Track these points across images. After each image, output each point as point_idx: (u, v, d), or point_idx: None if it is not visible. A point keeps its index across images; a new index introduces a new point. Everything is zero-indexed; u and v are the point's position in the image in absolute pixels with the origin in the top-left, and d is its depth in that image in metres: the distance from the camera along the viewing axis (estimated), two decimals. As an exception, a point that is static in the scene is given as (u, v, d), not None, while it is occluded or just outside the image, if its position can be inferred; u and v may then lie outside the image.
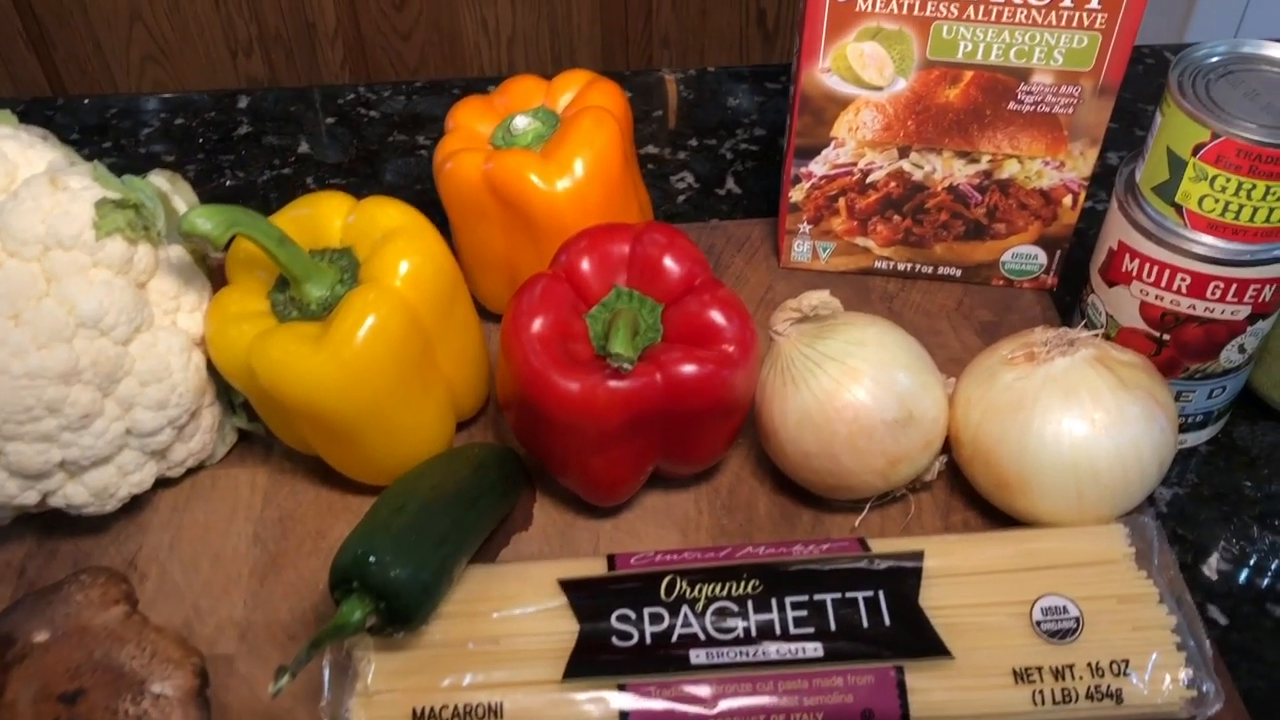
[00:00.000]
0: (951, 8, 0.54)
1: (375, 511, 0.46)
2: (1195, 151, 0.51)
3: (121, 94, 0.89)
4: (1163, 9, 1.79)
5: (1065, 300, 0.66)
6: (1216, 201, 0.52)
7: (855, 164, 0.61)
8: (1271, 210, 0.51)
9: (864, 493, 0.53)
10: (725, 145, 0.82)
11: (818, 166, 0.62)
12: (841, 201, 0.63)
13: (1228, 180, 0.51)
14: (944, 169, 0.60)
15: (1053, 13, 0.54)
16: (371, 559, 0.43)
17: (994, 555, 0.49)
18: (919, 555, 0.48)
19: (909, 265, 0.65)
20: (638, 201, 0.60)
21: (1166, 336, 0.56)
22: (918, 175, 0.61)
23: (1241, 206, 0.51)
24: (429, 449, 0.53)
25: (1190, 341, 0.56)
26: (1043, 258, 0.64)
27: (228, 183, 0.80)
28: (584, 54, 2.00)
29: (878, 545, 0.49)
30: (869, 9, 0.55)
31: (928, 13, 0.54)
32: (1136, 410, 0.49)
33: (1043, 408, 0.49)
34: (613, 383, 0.48)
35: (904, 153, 0.60)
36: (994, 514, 0.54)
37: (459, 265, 0.61)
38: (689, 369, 0.49)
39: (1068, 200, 0.61)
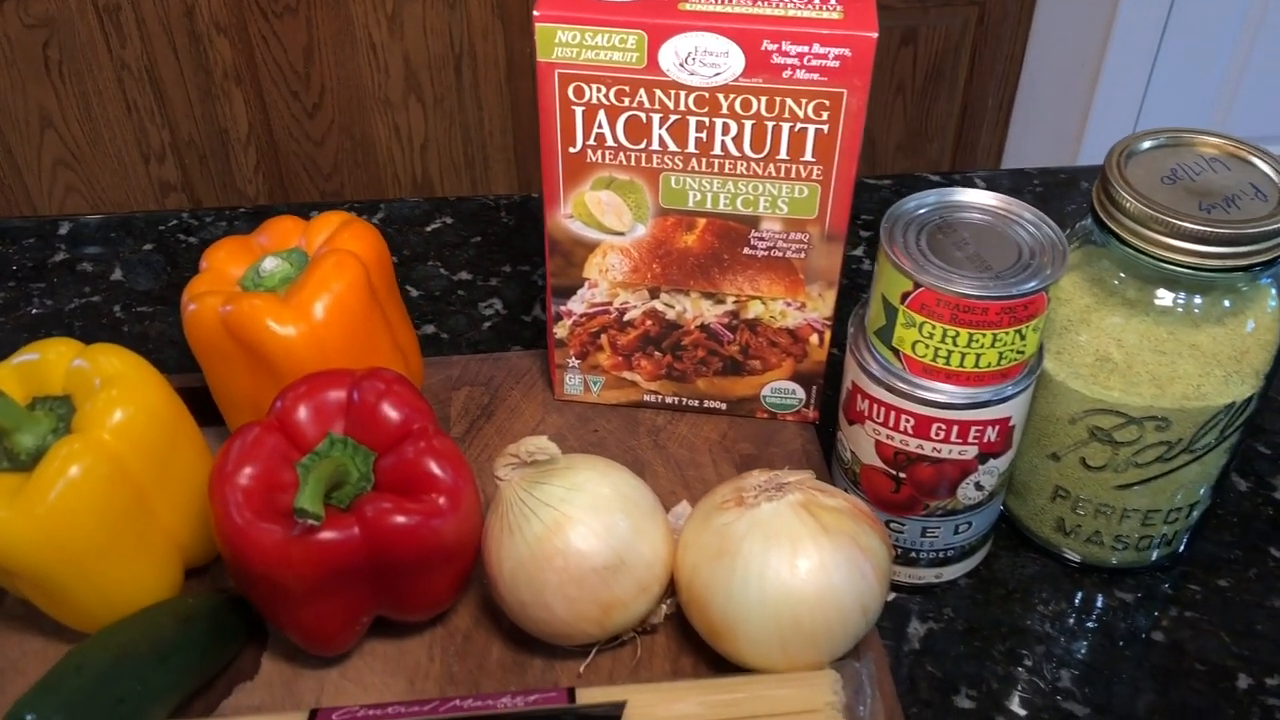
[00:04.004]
0: (676, 160, 0.56)
1: (53, 670, 0.46)
2: (903, 300, 0.53)
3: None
4: (1055, 133, 1.85)
5: (832, 432, 0.67)
6: (927, 347, 0.53)
7: (611, 303, 0.62)
8: (979, 356, 0.53)
9: (584, 640, 0.53)
10: (538, 272, 0.83)
11: (576, 305, 0.63)
12: (604, 338, 0.64)
13: (933, 328, 0.52)
14: (694, 309, 0.62)
15: (770, 165, 0.55)
16: (33, 723, 0.43)
17: (698, 704, 0.49)
18: (620, 706, 0.48)
19: (676, 399, 0.66)
20: (393, 343, 0.60)
21: (902, 475, 0.57)
22: (670, 314, 0.62)
23: (950, 352, 0.53)
24: (149, 599, 0.52)
25: (925, 480, 0.57)
26: (801, 392, 0.65)
27: (34, 310, 0.80)
28: (497, 160, 2.04)
29: (585, 696, 0.49)
30: (600, 160, 0.56)
31: (654, 164, 0.56)
32: (838, 556, 0.50)
33: (745, 554, 0.50)
34: (310, 536, 0.48)
35: (654, 293, 0.61)
36: (722, 658, 0.54)
37: (217, 405, 0.61)
38: (395, 520, 0.49)
39: (814, 339, 0.62)
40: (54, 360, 0.53)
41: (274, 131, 1.96)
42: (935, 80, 1.91)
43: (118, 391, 0.51)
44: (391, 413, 0.51)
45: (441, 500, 0.50)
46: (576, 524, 0.51)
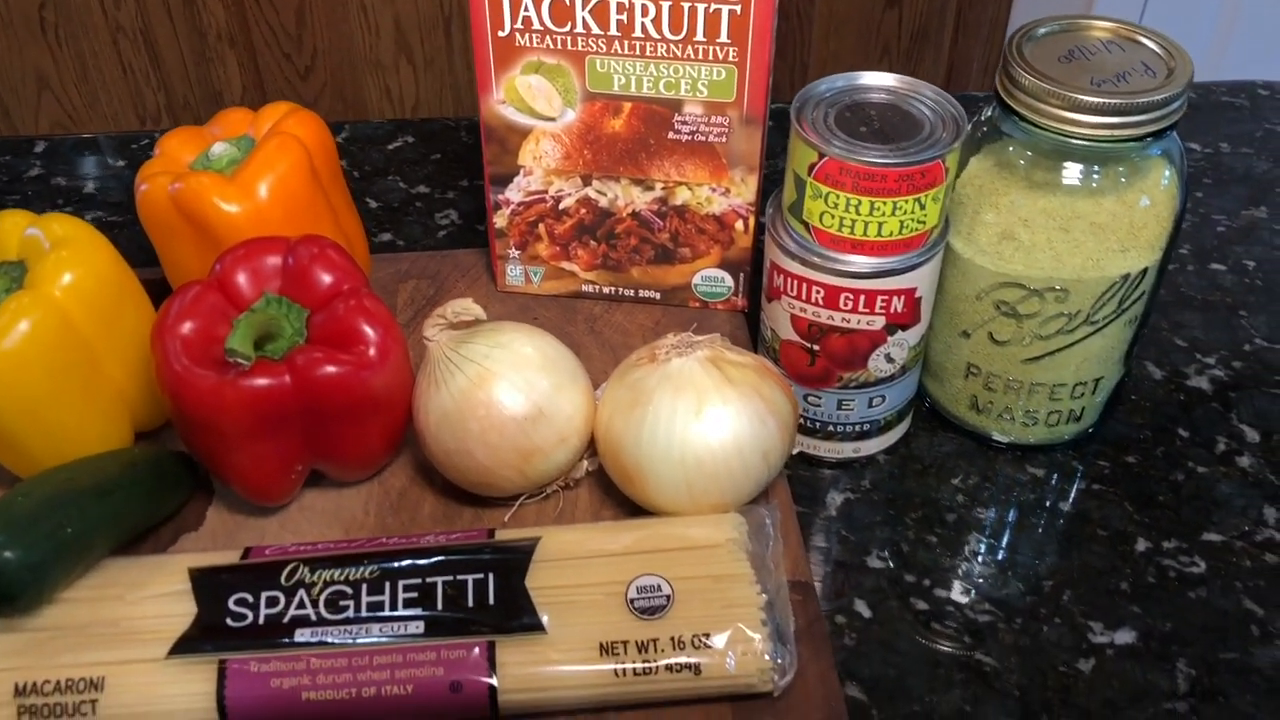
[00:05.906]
0: (599, 43, 0.59)
1: (1, 498, 0.49)
2: (810, 171, 0.56)
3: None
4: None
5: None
6: (833, 217, 0.56)
7: (546, 191, 0.65)
8: (881, 224, 0.56)
9: (508, 489, 0.56)
10: (495, 187, 0.86)
11: (513, 193, 0.66)
12: (542, 227, 0.67)
13: (838, 197, 0.55)
14: (625, 196, 0.65)
15: (689, 47, 0.58)
16: (-24, 539, 0.46)
17: (608, 541, 0.52)
18: (534, 541, 0.51)
19: (613, 289, 0.69)
20: (336, 226, 0.63)
21: (816, 347, 0.60)
22: (603, 202, 0.65)
23: (854, 221, 0.56)
24: (97, 450, 0.56)
25: (837, 351, 0.60)
26: (729, 280, 0.68)
27: (8, 220, 0.83)
28: (487, 123, 2.07)
29: (503, 534, 0.52)
30: (528, 44, 0.59)
31: (579, 47, 0.59)
32: (740, 404, 0.53)
33: (655, 403, 0.53)
34: (242, 380, 0.51)
35: (587, 180, 0.64)
36: (640, 512, 0.57)
37: (168, 283, 0.64)
38: (325, 370, 0.52)
39: (740, 225, 0.65)
40: (9, 229, 0.57)
41: (267, 94, 1.99)
42: (920, 43, 1.93)
43: (67, 253, 0.54)
44: (324, 275, 0.55)
45: (370, 352, 0.53)
46: (499, 378, 0.54)
